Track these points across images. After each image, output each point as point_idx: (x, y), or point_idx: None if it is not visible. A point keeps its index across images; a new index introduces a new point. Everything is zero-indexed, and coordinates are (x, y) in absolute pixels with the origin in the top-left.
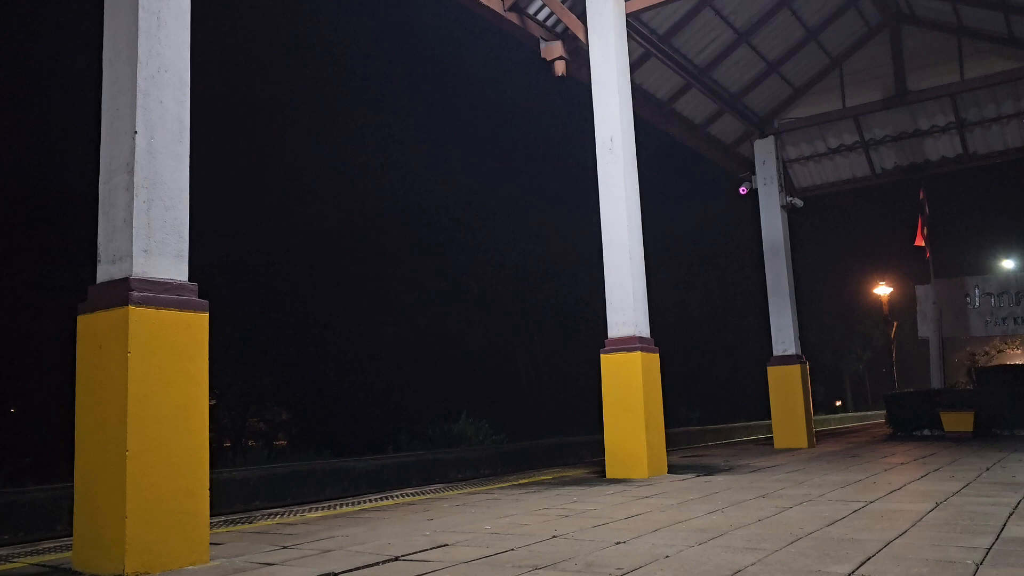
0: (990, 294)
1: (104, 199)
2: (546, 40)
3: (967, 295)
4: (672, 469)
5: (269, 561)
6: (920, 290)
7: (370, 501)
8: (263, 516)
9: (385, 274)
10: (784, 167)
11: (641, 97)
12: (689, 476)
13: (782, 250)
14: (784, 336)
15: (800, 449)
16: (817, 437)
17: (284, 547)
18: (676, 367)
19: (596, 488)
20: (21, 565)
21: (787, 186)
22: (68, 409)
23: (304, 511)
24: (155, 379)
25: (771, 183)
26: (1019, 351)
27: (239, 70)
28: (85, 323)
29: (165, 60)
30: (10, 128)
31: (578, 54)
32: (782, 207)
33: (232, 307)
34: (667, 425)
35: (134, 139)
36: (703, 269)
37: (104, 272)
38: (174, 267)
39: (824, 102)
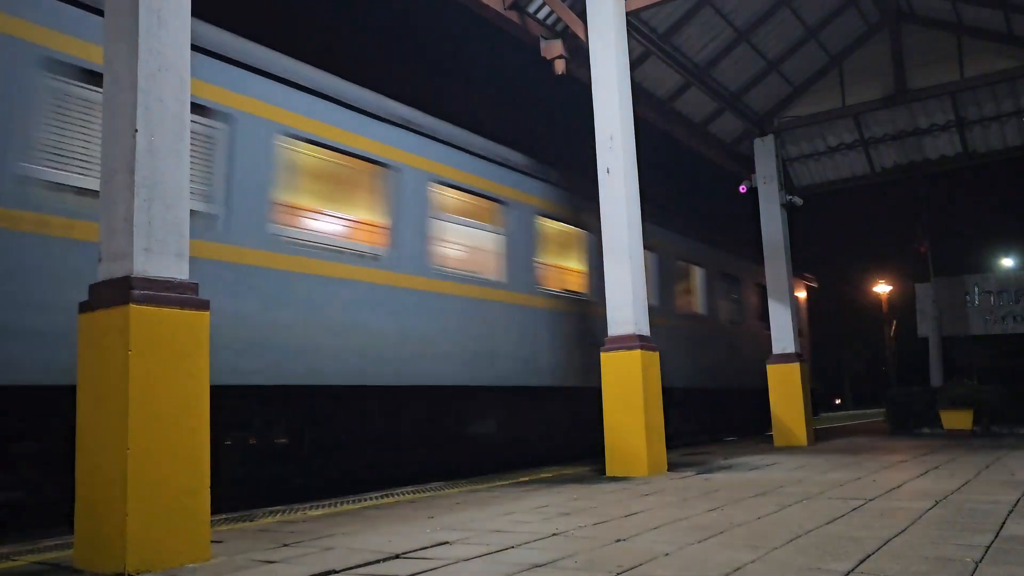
0: (990, 292)
1: (104, 198)
2: (546, 39)
3: (967, 293)
4: (672, 467)
5: (270, 559)
6: (920, 288)
7: (371, 499)
8: (264, 514)
9: None
10: (784, 165)
11: (641, 96)
12: (689, 474)
13: (781, 248)
14: (783, 334)
15: (800, 447)
16: (816, 435)
17: (285, 544)
18: None
19: (596, 486)
20: (23, 563)
21: (787, 184)
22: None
23: (305, 509)
24: (156, 377)
25: (771, 181)
26: None
27: None
28: (86, 322)
29: (166, 59)
30: None
31: (578, 53)
32: (782, 205)
33: None
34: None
35: (135, 138)
36: None
37: (105, 270)
38: (175, 265)
39: (824, 100)
